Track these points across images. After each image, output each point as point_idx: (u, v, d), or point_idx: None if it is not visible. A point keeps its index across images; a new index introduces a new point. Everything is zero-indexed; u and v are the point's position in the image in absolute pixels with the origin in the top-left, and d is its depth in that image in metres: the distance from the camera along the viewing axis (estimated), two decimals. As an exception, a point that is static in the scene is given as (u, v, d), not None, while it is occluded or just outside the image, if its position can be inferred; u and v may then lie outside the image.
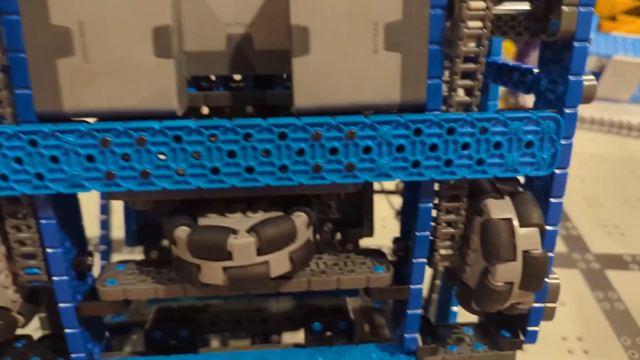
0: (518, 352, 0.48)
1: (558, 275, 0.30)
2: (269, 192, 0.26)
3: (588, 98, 0.26)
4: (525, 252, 0.26)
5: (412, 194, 0.29)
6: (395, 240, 0.31)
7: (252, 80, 0.29)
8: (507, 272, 0.26)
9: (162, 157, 0.25)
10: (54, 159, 0.24)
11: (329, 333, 0.33)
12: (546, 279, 0.29)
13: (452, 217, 0.28)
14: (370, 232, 0.36)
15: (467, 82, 0.25)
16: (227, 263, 0.25)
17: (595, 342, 0.53)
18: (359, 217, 0.36)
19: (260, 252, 0.25)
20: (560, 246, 0.67)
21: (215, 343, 0.44)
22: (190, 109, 0.28)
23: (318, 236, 0.36)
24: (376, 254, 0.31)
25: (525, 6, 0.26)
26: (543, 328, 0.56)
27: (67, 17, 0.23)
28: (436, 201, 0.28)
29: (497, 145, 0.26)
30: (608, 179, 0.81)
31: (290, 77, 0.25)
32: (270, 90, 0.29)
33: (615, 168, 0.83)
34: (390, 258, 0.31)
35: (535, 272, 0.26)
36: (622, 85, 0.93)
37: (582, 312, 0.57)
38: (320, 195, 0.29)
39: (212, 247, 0.25)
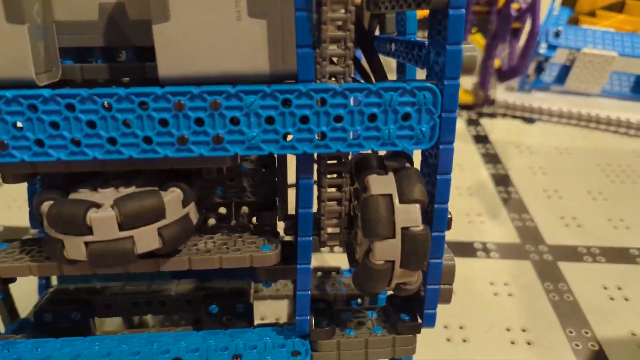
0: (461, 343, 0.47)
1: (453, 256, 0.29)
2: (138, 166, 0.25)
3: (469, 69, 0.25)
4: (404, 229, 0.25)
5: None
6: (286, 217, 0.30)
7: (133, 52, 0.28)
8: (386, 250, 0.25)
9: (19, 125, 0.24)
10: None
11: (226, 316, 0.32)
12: (441, 260, 0.28)
13: (335, 193, 0.27)
14: (283, 216, 0.35)
15: (339, 50, 0.24)
16: (89, 238, 0.24)
17: (540, 334, 0.52)
18: (274, 200, 0.35)
19: (122, 227, 0.24)
20: (514, 237, 0.66)
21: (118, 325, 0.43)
22: (65, 81, 0.27)
23: (234, 220, 0.35)
24: (270, 234, 0.30)
25: (402, -27, 0.25)
26: (487, 319, 0.56)
27: None
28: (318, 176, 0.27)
29: (372, 118, 0.25)
30: (571, 171, 0.80)
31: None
32: (150, 63, 0.28)
33: (580, 161, 0.82)
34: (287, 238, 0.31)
35: (414, 250, 0.25)
36: (593, 78, 0.92)
37: (529, 303, 0.56)
38: (211, 170, 0.28)
39: (71, 221, 0.24)
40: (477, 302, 0.56)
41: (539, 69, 0.98)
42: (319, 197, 0.27)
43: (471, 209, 0.72)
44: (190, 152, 0.25)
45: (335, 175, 0.27)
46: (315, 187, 0.27)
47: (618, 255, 0.64)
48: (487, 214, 0.71)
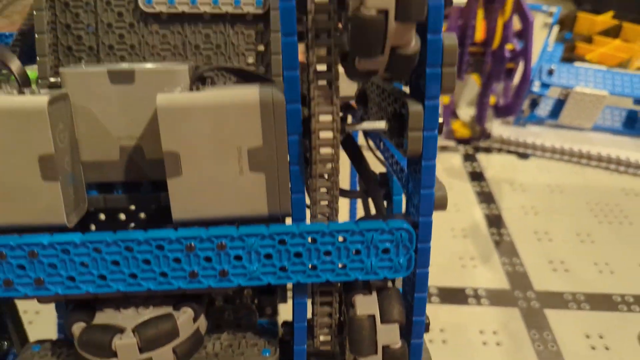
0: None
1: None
2: (155, 293, 0.29)
3: (440, 206, 0.29)
4: (385, 347, 0.29)
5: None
6: (284, 323, 0.34)
7: (150, 184, 0.32)
8: None
9: (52, 266, 0.28)
10: (-44, 270, 0.27)
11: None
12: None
13: (326, 309, 0.31)
14: (284, 299, 0.39)
15: (326, 196, 0.28)
16: (114, 360, 0.28)
17: (525, 384, 0.56)
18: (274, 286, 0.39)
19: (142, 350, 0.28)
20: (504, 283, 0.70)
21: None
22: (90, 213, 0.31)
23: (238, 301, 0.39)
24: (269, 335, 0.34)
25: (382, 125, 0.29)
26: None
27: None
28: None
29: (356, 252, 0.29)
30: (562, 211, 0.83)
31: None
32: (164, 193, 0.32)
33: (571, 199, 0.86)
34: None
35: None
36: (585, 115, 0.96)
37: (516, 353, 0.60)
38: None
39: (99, 347, 0.28)
40: (467, 352, 0.60)
41: (534, 104, 1.02)
42: (312, 312, 0.31)
43: (465, 252, 0.76)
44: (200, 284, 0.29)
45: (325, 295, 0.31)
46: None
47: (602, 301, 0.68)
48: (480, 258, 0.75)
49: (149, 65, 0.29)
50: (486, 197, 0.89)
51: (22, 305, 0.58)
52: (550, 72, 0.98)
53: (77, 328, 0.29)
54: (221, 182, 0.28)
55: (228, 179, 0.27)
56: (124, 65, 0.30)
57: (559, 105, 1.03)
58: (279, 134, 0.27)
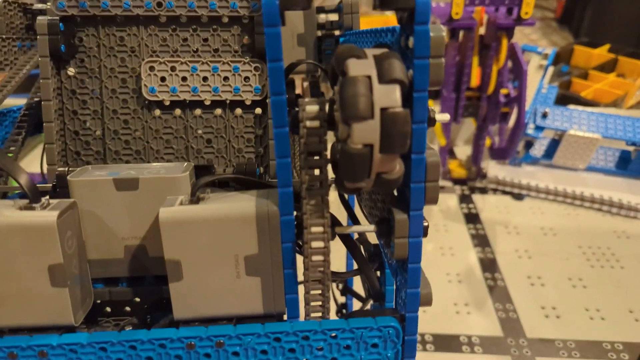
0: None
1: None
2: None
3: (425, 303, 0.31)
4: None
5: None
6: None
7: (152, 278, 0.34)
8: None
9: (61, 364, 0.30)
10: (-29, 368, 0.29)
11: None
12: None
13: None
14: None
15: (319, 297, 0.30)
16: None
17: None
18: None
19: None
20: (497, 330, 0.72)
21: None
22: (96, 304, 0.33)
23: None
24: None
25: (370, 229, 0.31)
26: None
27: (-22, 259, 0.28)
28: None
29: (347, 347, 0.31)
30: (554, 255, 0.85)
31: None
32: (165, 286, 0.34)
33: (564, 243, 0.88)
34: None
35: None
36: (579, 156, 0.98)
37: (508, 404, 0.61)
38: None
39: None
40: (460, 405, 0.61)
41: (528, 145, 1.04)
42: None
43: (459, 298, 0.78)
44: (199, 378, 0.30)
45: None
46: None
47: (592, 349, 0.69)
48: (474, 304, 0.77)
49: (152, 173, 0.31)
50: (481, 240, 0.91)
51: None
52: (545, 115, 1.00)
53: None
54: (219, 285, 0.30)
55: (226, 282, 0.29)
56: (130, 172, 0.32)
57: (553, 145, 1.05)
58: (273, 241, 0.29)
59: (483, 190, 1.05)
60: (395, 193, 0.31)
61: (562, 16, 2.20)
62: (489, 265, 0.85)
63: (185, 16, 0.39)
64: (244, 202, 0.29)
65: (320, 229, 0.29)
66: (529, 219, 0.97)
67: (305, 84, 0.46)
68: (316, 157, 0.28)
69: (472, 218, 0.97)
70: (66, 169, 0.37)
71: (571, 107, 1.05)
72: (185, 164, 0.35)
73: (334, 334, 0.30)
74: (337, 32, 0.50)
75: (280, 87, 0.27)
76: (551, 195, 1.00)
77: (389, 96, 0.25)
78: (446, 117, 0.30)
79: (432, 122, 0.28)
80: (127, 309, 0.36)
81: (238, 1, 0.39)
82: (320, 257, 0.29)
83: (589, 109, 1.06)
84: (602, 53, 1.63)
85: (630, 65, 1.54)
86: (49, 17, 0.37)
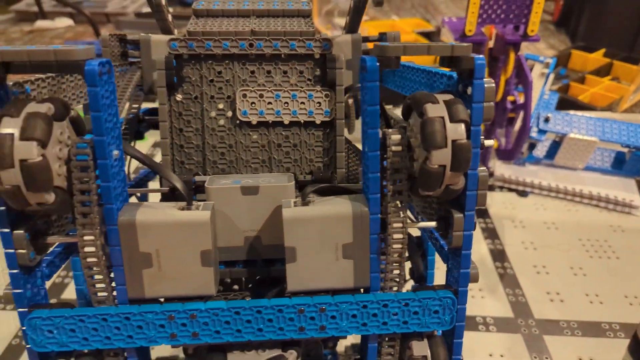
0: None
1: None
2: (269, 341, 0.42)
3: (473, 280, 0.42)
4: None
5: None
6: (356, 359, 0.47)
7: (263, 261, 0.45)
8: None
9: (205, 324, 0.40)
10: (139, 327, 0.40)
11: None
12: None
13: (390, 350, 0.44)
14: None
15: (396, 274, 0.41)
16: (253, 389, 0.41)
17: (527, 399, 0.68)
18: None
19: (267, 382, 0.41)
20: (508, 312, 0.82)
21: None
22: (221, 281, 0.44)
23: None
24: (348, 364, 0.47)
25: (433, 224, 0.42)
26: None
27: (149, 247, 0.38)
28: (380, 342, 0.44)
29: (416, 313, 0.41)
30: (557, 247, 0.96)
31: (284, 270, 0.41)
32: (273, 267, 0.45)
33: (565, 236, 0.98)
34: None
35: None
36: (578, 157, 1.08)
37: (519, 373, 0.72)
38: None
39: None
40: (479, 374, 0.72)
41: (532, 147, 1.14)
42: (378, 353, 0.44)
43: (474, 284, 0.89)
44: (305, 335, 0.41)
45: (390, 341, 0.43)
46: None
47: (592, 329, 0.80)
48: (487, 289, 0.87)
49: (271, 182, 0.42)
50: (490, 233, 1.01)
51: None
52: (547, 120, 1.11)
53: (218, 366, 0.41)
54: (322, 265, 0.40)
55: (327, 263, 0.40)
56: (248, 181, 0.42)
57: (554, 146, 1.16)
58: (364, 233, 0.39)
59: (491, 188, 1.16)
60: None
61: (559, 19, 2.31)
62: (499, 256, 0.95)
63: (270, 54, 0.49)
64: (342, 205, 0.39)
65: (400, 225, 0.39)
66: (533, 214, 1.07)
67: (350, 100, 0.57)
68: (398, 173, 0.38)
69: (481, 213, 1.07)
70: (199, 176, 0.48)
71: (571, 112, 1.15)
72: (287, 175, 0.45)
73: (406, 303, 0.41)
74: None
75: (376, 124, 0.37)
76: (553, 193, 1.11)
77: (458, 132, 0.35)
78: (491, 142, 0.41)
79: (482, 147, 0.39)
80: (236, 287, 0.47)
81: (312, 42, 0.49)
82: (399, 246, 0.40)
83: (588, 114, 1.16)
84: (597, 57, 1.73)
85: (625, 69, 1.64)
86: (166, 56, 0.48)
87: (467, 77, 0.37)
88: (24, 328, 0.39)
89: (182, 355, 0.54)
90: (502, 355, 0.75)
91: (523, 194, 1.13)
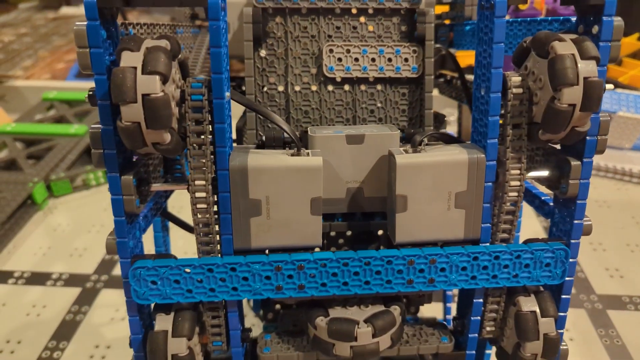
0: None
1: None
2: (377, 294, 0.40)
3: (586, 233, 0.40)
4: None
5: (467, 293, 0.43)
6: (454, 319, 0.46)
7: (361, 214, 0.44)
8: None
9: (312, 276, 0.39)
10: (245, 278, 0.39)
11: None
12: (559, 348, 0.43)
13: (494, 307, 0.42)
14: (429, 301, 0.50)
15: (508, 225, 0.39)
16: (353, 343, 0.39)
17: (598, 373, 0.67)
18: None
19: (374, 336, 0.39)
20: (569, 288, 0.81)
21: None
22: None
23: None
24: (440, 326, 0.46)
25: (545, 173, 0.40)
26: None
27: (259, 194, 0.37)
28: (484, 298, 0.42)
29: (527, 265, 0.40)
30: (611, 224, 0.94)
31: (389, 219, 0.39)
32: (372, 221, 0.43)
33: (617, 214, 0.97)
34: (450, 329, 0.46)
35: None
36: (625, 136, 1.06)
37: (587, 346, 0.71)
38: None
39: (345, 334, 0.39)
40: (546, 347, 0.70)
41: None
42: (483, 307, 0.42)
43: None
44: (413, 288, 0.40)
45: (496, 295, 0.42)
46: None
47: (656, 303, 0.79)
48: (544, 266, 0.86)
49: (374, 131, 0.41)
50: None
51: (94, 339, 0.70)
52: (595, 98, 1.09)
53: (321, 321, 0.40)
54: (433, 216, 0.39)
55: (438, 213, 0.39)
56: (356, 130, 0.41)
57: (600, 126, 1.13)
58: (479, 182, 0.38)
59: (537, 168, 1.14)
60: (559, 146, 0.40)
61: (589, 6, 2.27)
62: (553, 233, 0.94)
63: (356, 8, 0.47)
64: (457, 151, 0.38)
65: (518, 171, 0.38)
66: (584, 193, 1.05)
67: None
68: (519, 117, 0.37)
69: (531, 192, 1.05)
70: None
71: (618, 90, 1.13)
72: (389, 125, 0.44)
73: (518, 255, 0.39)
74: (447, 22, 0.58)
75: (500, 63, 0.36)
76: (602, 172, 1.09)
77: (589, 68, 0.34)
78: (611, 86, 0.39)
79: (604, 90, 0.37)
80: (341, 240, 0.46)
81: (401, -5, 0.47)
82: (515, 194, 0.38)
83: (635, 93, 1.14)
84: (632, 41, 1.71)
85: (659, 53, 1.62)
86: (253, 8, 0.46)
87: (594, 14, 0.35)
88: (125, 280, 0.38)
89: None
90: (567, 330, 0.74)
91: (570, 173, 1.11)
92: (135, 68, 0.31)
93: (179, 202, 0.86)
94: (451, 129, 1.18)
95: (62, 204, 1.03)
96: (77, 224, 0.97)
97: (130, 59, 0.31)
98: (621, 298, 0.79)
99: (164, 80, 0.32)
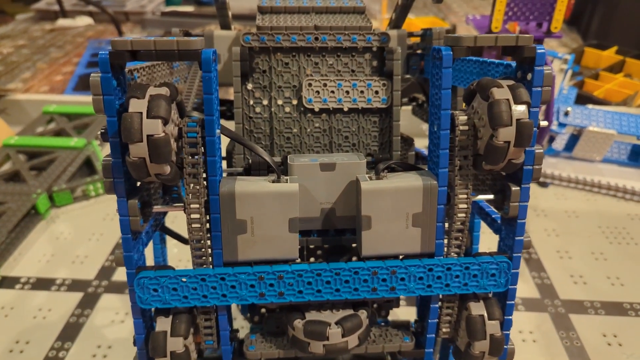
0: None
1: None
2: (346, 300, 0.47)
3: (526, 247, 0.47)
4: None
5: (425, 299, 0.50)
6: (415, 321, 0.52)
7: (335, 231, 0.50)
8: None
9: (290, 284, 0.45)
10: (233, 287, 0.45)
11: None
12: (505, 347, 0.49)
13: (449, 311, 0.49)
14: (397, 305, 0.57)
15: (458, 241, 0.46)
16: (325, 342, 0.46)
17: (557, 371, 0.73)
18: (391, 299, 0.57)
19: (343, 336, 0.46)
20: (535, 293, 0.87)
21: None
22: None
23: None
24: (404, 328, 0.52)
25: (491, 196, 0.47)
26: (521, 359, 0.77)
27: (244, 215, 0.44)
28: (440, 303, 0.49)
29: (475, 275, 0.46)
30: (578, 234, 1.01)
31: (357, 235, 0.46)
32: (344, 236, 0.50)
33: (585, 223, 1.03)
34: (412, 330, 0.52)
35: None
36: (596, 149, 1.13)
37: (549, 348, 0.77)
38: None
39: (318, 334, 0.46)
40: (511, 347, 0.77)
41: (551, 139, 1.19)
42: (440, 313, 0.49)
43: (501, 268, 0.93)
44: (377, 295, 0.46)
45: (449, 301, 0.49)
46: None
47: (614, 308, 0.85)
48: (514, 272, 0.92)
49: (345, 159, 0.47)
50: (515, 221, 1.06)
51: (97, 340, 0.77)
52: (567, 114, 1.16)
53: (299, 323, 0.47)
54: (394, 233, 0.45)
55: (398, 231, 0.45)
56: (324, 159, 0.47)
57: (572, 139, 1.21)
58: (432, 204, 0.45)
59: (513, 179, 1.20)
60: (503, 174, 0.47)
61: (571, 18, 2.35)
62: (524, 242, 1.00)
63: (333, 47, 0.54)
64: (413, 178, 0.45)
65: (465, 195, 0.44)
66: (554, 204, 1.12)
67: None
68: (465, 150, 0.44)
69: (505, 202, 1.12)
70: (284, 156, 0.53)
71: (589, 106, 1.21)
72: (357, 154, 0.50)
73: (467, 266, 0.46)
74: (419, 52, 0.65)
75: (448, 106, 0.42)
76: (572, 183, 1.16)
77: (521, 111, 0.40)
78: (546, 123, 0.46)
79: (538, 126, 0.44)
80: (319, 252, 0.52)
81: (372, 36, 0.54)
82: (463, 215, 0.45)
83: (605, 108, 1.22)
84: (610, 55, 1.78)
85: (637, 66, 1.69)
86: (241, 48, 0.53)
87: (528, 64, 0.42)
88: (131, 287, 0.45)
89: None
90: (531, 332, 0.80)
91: (544, 184, 1.18)
92: (141, 113, 0.38)
93: (173, 214, 0.92)
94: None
95: (64, 213, 1.09)
96: (78, 232, 1.03)
97: (136, 106, 0.38)
98: (583, 303, 0.86)
99: (165, 122, 0.38)
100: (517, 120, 0.40)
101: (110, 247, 0.99)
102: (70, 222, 1.07)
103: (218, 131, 0.42)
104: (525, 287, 0.89)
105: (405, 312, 0.81)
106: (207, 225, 0.44)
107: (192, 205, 0.42)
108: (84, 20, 2.40)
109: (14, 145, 1.21)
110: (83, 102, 1.44)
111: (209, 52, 0.39)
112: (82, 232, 1.04)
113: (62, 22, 2.37)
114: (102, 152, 1.26)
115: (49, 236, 1.02)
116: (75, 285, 0.90)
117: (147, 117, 0.38)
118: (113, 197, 0.78)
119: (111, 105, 0.39)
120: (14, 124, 1.39)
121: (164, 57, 0.40)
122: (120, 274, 0.93)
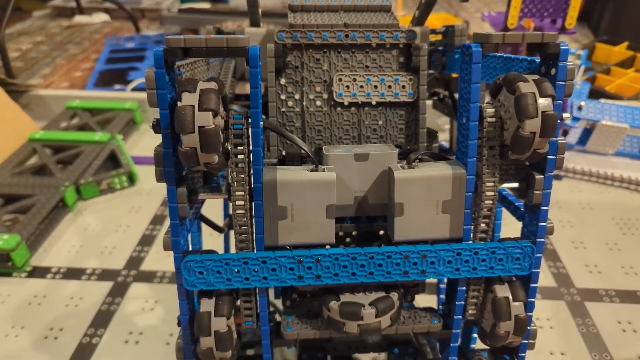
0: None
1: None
2: (379, 282, 0.50)
3: (549, 232, 0.50)
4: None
5: (453, 283, 0.52)
6: (443, 304, 0.55)
7: (367, 218, 0.53)
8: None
9: (327, 267, 0.48)
10: (273, 269, 0.48)
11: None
12: (528, 327, 0.52)
13: (475, 293, 0.52)
14: (423, 290, 0.60)
15: (485, 227, 0.49)
16: (360, 322, 0.49)
17: (574, 356, 0.76)
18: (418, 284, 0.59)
19: (377, 316, 0.49)
20: (551, 282, 0.90)
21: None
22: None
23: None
24: (432, 311, 0.55)
25: (516, 185, 0.50)
26: (538, 346, 0.80)
27: (285, 202, 0.47)
28: (466, 287, 0.52)
29: (501, 259, 0.49)
30: (592, 225, 1.03)
31: (389, 221, 0.49)
32: (375, 223, 0.53)
33: (599, 215, 1.05)
34: (440, 313, 0.55)
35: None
36: (608, 143, 1.15)
37: (565, 334, 0.80)
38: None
39: (353, 314, 0.49)
40: (529, 334, 0.80)
41: (565, 133, 1.22)
42: (466, 295, 0.52)
43: (517, 258, 0.96)
44: (408, 278, 0.49)
45: (476, 284, 0.51)
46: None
47: (628, 296, 0.88)
48: (530, 262, 0.95)
49: (377, 150, 0.50)
50: (530, 213, 1.09)
51: (128, 327, 0.80)
52: (580, 108, 1.18)
53: (334, 304, 0.50)
54: (424, 219, 0.48)
55: (429, 217, 0.48)
56: (357, 150, 0.50)
57: (585, 134, 1.23)
58: (461, 192, 0.47)
59: (527, 172, 1.23)
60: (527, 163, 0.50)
61: (581, 14, 2.37)
62: (539, 233, 1.03)
63: (362, 43, 0.57)
64: (443, 167, 0.47)
65: (492, 183, 0.47)
66: (568, 196, 1.15)
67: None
68: (492, 140, 0.46)
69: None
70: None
71: (602, 100, 1.23)
72: (389, 145, 0.53)
73: (493, 251, 0.49)
74: (440, 48, 0.67)
75: (477, 99, 0.45)
76: (586, 176, 1.18)
77: (546, 104, 0.43)
78: (568, 115, 0.49)
79: (561, 119, 0.46)
80: (348, 239, 0.55)
81: (399, 33, 0.56)
82: (490, 202, 0.48)
83: (617, 102, 1.24)
84: (621, 50, 1.80)
85: (648, 61, 1.71)
86: (275, 45, 0.55)
87: (552, 59, 0.45)
88: (178, 270, 0.48)
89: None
90: (548, 319, 0.83)
91: (558, 177, 1.20)
92: (193, 106, 0.41)
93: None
94: (445, 135, 1.27)
95: (90, 206, 1.12)
96: (105, 224, 1.07)
97: (189, 99, 0.41)
98: (598, 291, 0.88)
99: (215, 115, 0.41)
100: (543, 112, 0.42)
101: (136, 238, 1.02)
102: (97, 214, 1.10)
103: (262, 123, 0.45)
104: (542, 277, 0.92)
105: (426, 300, 0.84)
106: (250, 211, 0.46)
107: (237, 193, 0.45)
108: (101, 17, 2.44)
109: (39, 139, 1.24)
110: (105, 97, 1.48)
111: (256, 49, 0.42)
112: (109, 223, 1.07)
113: (79, 18, 2.41)
114: (126, 146, 1.29)
115: (77, 228, 1.06)
116: (105, 274, 0.93)
117: (199, 110, 0.41)
118: (138, 191, 0.80)
119: (164, 98, 0.42)
120: (37, 119, 1.42)
121: (214, 54, 0.42)
122: (148, 264, 0.96)
